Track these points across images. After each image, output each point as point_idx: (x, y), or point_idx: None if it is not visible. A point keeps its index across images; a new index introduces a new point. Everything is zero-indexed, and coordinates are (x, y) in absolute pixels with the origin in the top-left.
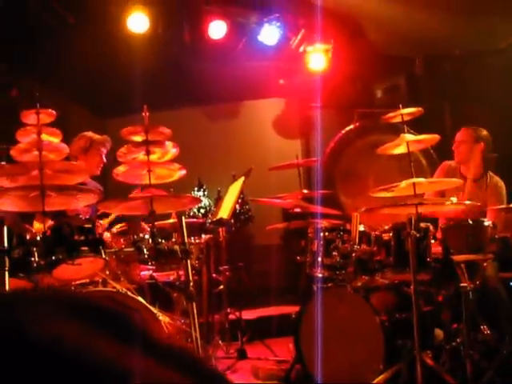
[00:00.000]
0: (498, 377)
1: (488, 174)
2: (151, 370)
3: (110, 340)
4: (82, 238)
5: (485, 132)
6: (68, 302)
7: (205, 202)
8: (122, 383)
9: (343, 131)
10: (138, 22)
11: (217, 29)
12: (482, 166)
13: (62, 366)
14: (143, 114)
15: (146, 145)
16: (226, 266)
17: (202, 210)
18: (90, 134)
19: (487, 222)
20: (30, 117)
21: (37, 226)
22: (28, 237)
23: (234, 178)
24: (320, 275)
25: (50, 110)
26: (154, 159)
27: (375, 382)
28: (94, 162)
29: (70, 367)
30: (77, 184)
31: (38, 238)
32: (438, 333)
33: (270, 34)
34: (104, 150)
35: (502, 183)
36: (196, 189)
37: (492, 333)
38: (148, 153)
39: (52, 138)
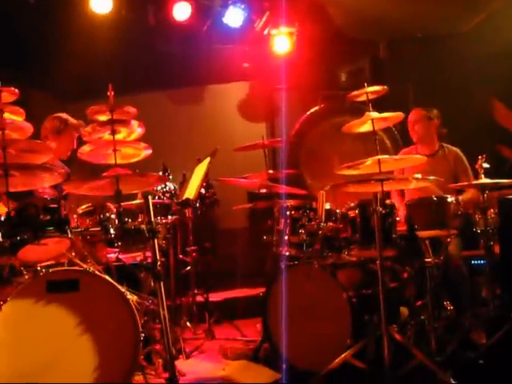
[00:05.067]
0: (460, 349)
1: (444, 147)
2: None
3: None
4: (48, 217)
5: (435, 111)
6: None
7: (169, 185)
8: None
9: (308, 113)
10: (101, 3)
11: (181, 10)
12: (436, 141)
13: None
14: (108, 93)
15: (112, 124)
16: (192, 247)
17: (167, 195)
18: (65, 115)
19: (450, 198)
20: None
21: None
22: None
23: (199, 161)
24: (287, 253)
25: (12, 89)
26: (120, 138)
27: (343, 356)
28: (65, 145)
29: None
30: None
31: (2, 219)
32: (403, 310)
33: (234, 16)
34: (76, 135)
35: (459, 150)
36: (160, 173)
37: (454, 308)
38: (113, 132)
39: (15, 117)
